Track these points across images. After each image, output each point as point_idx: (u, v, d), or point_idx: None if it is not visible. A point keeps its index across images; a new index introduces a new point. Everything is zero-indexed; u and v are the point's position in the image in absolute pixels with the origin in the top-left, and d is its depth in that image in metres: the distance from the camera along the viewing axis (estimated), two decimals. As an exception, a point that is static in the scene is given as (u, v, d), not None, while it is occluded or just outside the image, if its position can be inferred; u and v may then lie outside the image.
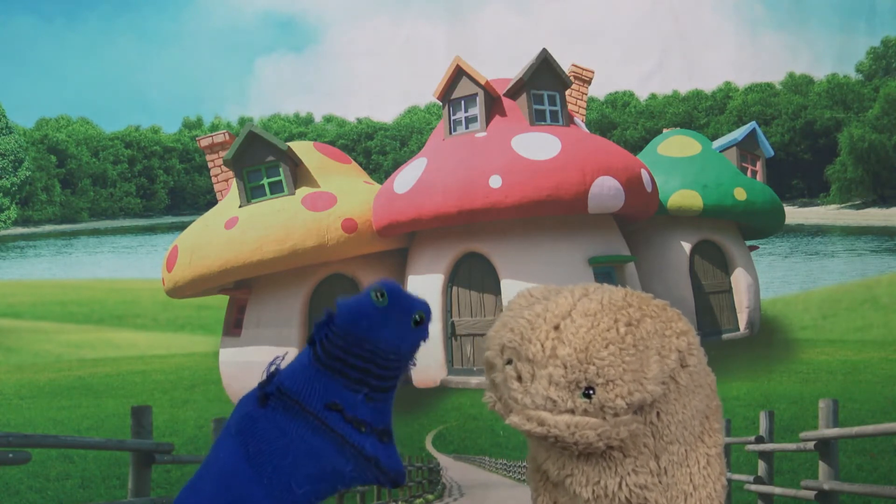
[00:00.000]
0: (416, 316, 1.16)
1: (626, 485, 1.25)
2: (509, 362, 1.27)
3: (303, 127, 20.65)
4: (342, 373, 1.16)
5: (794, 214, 16.91)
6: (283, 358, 1.20)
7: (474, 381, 9.22)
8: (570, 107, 10.23)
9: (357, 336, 1.15)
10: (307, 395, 1.16)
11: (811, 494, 6.07)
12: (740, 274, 10.88)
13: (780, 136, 18.88)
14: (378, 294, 1.15)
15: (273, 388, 1.17)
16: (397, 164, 12.08)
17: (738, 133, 11.45)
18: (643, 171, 9.60)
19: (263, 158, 9.60)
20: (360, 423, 1.16)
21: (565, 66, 10.14)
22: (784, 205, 11.61)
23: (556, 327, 1.24)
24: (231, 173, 10.04)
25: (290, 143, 10.05)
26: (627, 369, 1.21)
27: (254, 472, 1.15)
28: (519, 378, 1.25)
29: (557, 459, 1.28)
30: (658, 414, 1.25)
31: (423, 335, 1.18)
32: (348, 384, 1.16)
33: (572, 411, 1.21)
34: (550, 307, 1.27)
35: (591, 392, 1.21)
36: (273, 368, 1.19)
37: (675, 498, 1.26)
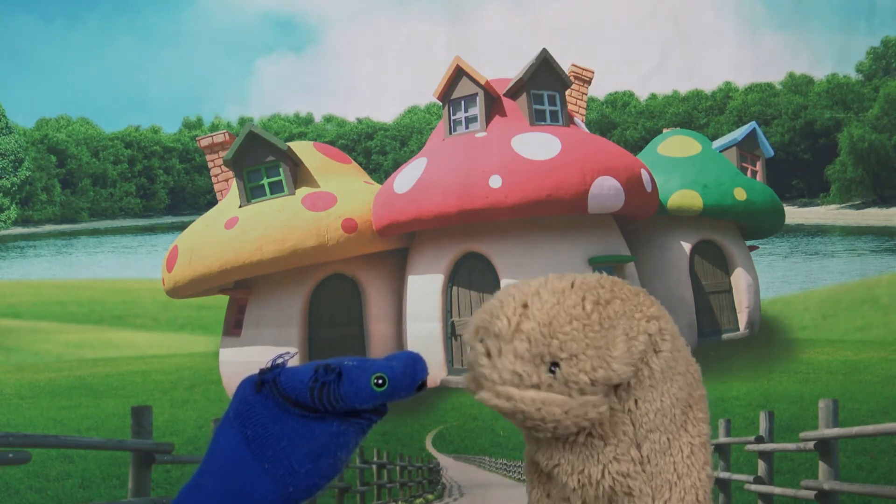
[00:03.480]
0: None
1: (609, 473, 1.26)
2: (481, 341, 1.29)
3: (303, 127, 20.64)
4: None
5: (794, 214, 16.90)
6: (291, 356, 1.22)
7: (474, 381, 9.22)
8: (570, 107, 10.24)
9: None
10: (294, 394, 1.18)
11: (811, 494, 6.08)
12: (740, 274, 10.88)
13: (780, 136, 18.87)
14: (378, 379, 1.18)
15: (270, 378, 1.19)
16: (397, 164, 12.07)
17: (738, 133, 11.45)
18: (643, 171, 9.61)
19: (263, 158, 9.60)
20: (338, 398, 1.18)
21: (565, 66, 10.14)
22: (784, 205, 11.60)
23: (524, 304, 1.26)
24: (231, 173, 10.05)
25: (290, 143, 10.05)
26: (591, 345, 1.22)
27: (254, 458, 1.17)
28: (488, 354, 1.26)
29: (546, 449, 1.29)
30: (636, 402, 1.26)
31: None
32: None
33: (538, 387, 1.22)
34: (521, 287, 1.30)
35: (556, 367, 1.22)
36: (280, 361, 1.21)
37: (659, 487, 1.27)
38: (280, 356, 1.22)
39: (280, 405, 1.18)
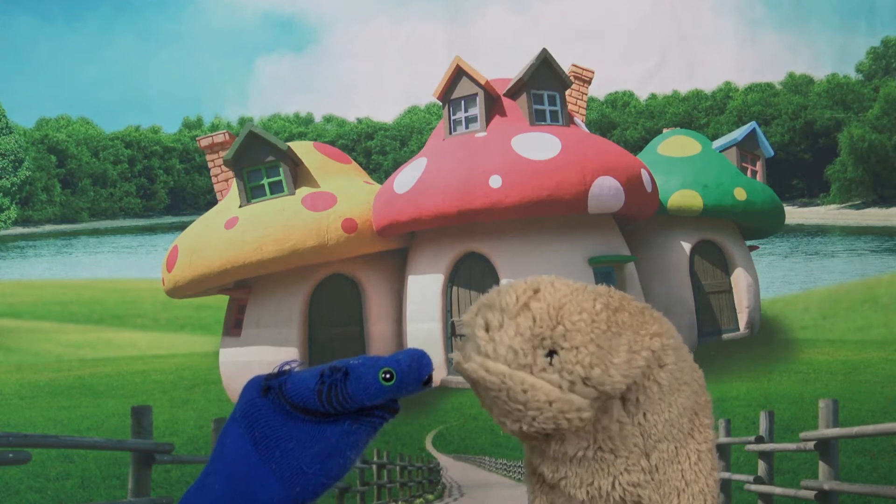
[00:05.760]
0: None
1: (620, 484, 1.26)
2: (478, 313, 1.29)
3: (303, 127, 20.63)
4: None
5: (794, 214, 16.89)
6: (298, 364, 1.22)
7: (474, 381, 9.21)
8: (570, 107, 10.23)
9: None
10: (301, 400, 1.18)
11: (811, 494, 6.08)
12: (740, 274, 10.87)
13: (780, 136, 18.86)
14: (385, 374, 1.18)
15: (276, 384, 1.18)
16: (397, 164, 12.07)
17: (738, 133, 11.45)
18: (643, 171, 9.61)
19: (263, 158, 9.60)
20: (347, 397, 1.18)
21: (565, 66, 10.14)
22: (784, 205, 11.60)
23: (536, 290, 1.26)
24: (231, 173, 10.05)
25: (290, 143, 10.05)
26: (595, 341, 1.22)
27: (261, 458, 1.16)
28: (486, 328, 1.25)
29: (551, 463, 1.29)
30: (644, 415, 1.26)
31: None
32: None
33: (530, 369, 1.21)
34: (535, 277, 1.31)
35: (554, 355, 1.21)
36: (287, 368, 1.20)
37: (668, 494, 1.27)
38: (287, 363, 1.21)
39: (286, 412, 1.17)
